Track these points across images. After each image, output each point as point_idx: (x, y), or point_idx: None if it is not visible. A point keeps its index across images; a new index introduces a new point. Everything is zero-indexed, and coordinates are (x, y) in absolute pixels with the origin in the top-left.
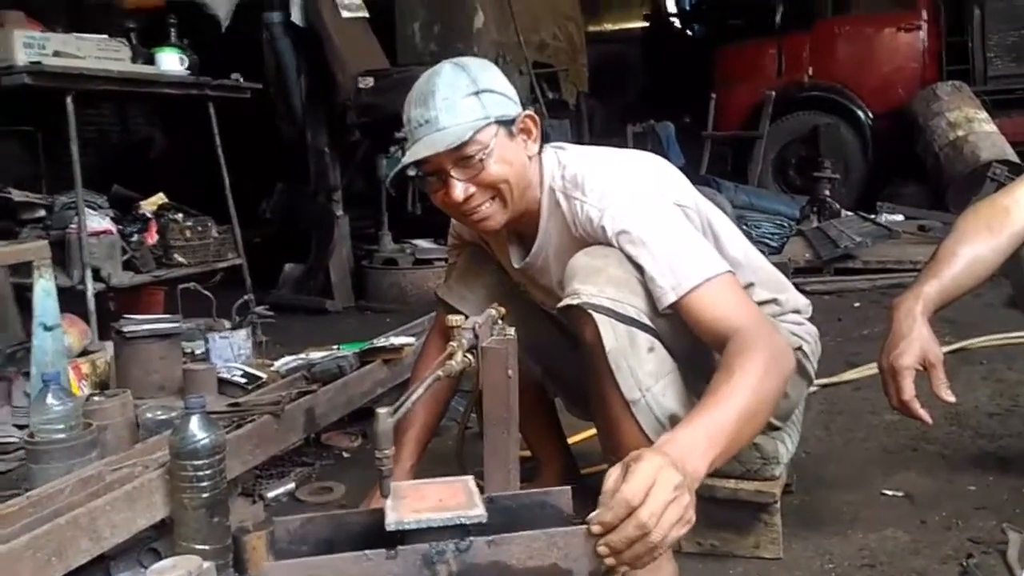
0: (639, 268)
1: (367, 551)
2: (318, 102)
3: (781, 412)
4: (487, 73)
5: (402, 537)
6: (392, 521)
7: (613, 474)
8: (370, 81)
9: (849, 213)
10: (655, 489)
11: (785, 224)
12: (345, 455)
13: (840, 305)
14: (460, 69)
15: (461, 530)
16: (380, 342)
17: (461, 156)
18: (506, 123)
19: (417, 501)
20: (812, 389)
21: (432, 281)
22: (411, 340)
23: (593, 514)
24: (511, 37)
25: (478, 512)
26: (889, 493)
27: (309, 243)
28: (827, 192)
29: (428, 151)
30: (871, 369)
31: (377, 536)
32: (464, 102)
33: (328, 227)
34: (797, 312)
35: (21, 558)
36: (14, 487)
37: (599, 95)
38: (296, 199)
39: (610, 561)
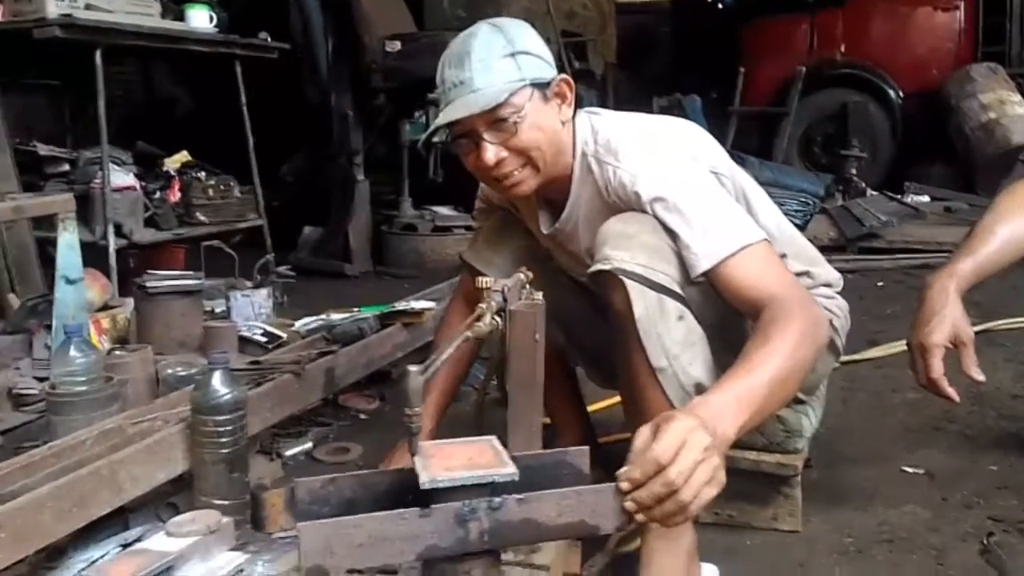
0: (673, 235)
1: (401, 510)
2: (344, 64)
3: (807, 385)
4: (524, 35)
5: (432, 496)
6: (427, 480)
7: (644, 433)
8: (397, 45)
9: (875, 192)
10: (685, 449)
11: (810, 202)
12: (362, 417)
13: (863, 284)
14: (497, 30)
15: (491, 488)
16: (400, 305)
17: (495, 118)
18: (541, 86)
19: (445, 460)
20: (834, 365)
21: (451, 248)
22: (431, 304)
23: (622, 470)
24: (540, 4)
25: (510, 470)
26: (909, 470)
27: (329, 207)
28: (854, 171)
29: (463, 112)
30: (893, 348)
31: (400, 496)
32: (500, 64)
33: (349, 191)
34: (829, 286)
35: (43, 507)
36: (34, 439)
37: (626, 66)
38: (318, 162)
39: (640, 517)
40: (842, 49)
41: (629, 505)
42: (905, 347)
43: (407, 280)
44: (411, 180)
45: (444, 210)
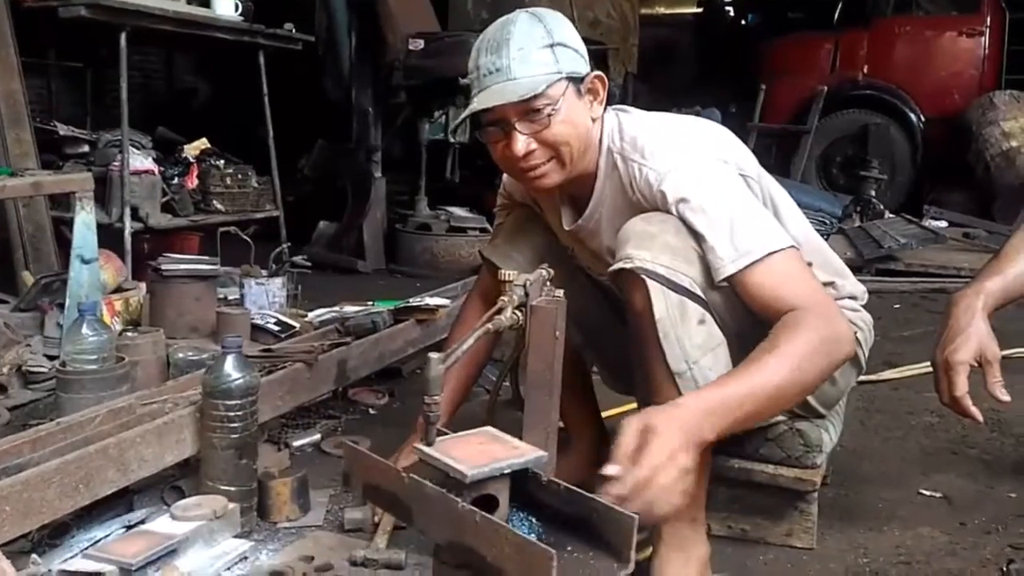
0: (698, 237)
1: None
2: (366, 61)
3: (827, 399)
4: (562, 26)
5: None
6: (470, 472)
7: (629, 429)
8: (420, 43)
9: (893, 215)
10: (664, 469)
11: (827, 221)
12: (371, 411)
13: (880, 305)
14: (536, 19)
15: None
16: (415, 301)
17: (529, 109)
18: (576, 81)
19: (463, 453)
20: (855, 380)
21: (465, 249)
22: (446, 302)
23: (608, 471)
24: (564, 10)
25: (540, 453)
26: (927, 493)
27: (345, 202)
28: (872, 192)
29: (499, 100)
30: (910, 370)
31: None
32: (538, 54)
33: (365, 187)
34: (854, 298)
35: (50, 483)
36: (42, 416)
37: (647, 78)
38: (336, 157)
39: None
40: (865, 70)
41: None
42: (922, 370)
43: (419, 279)
44: (427, 180)
45: (459, 211)
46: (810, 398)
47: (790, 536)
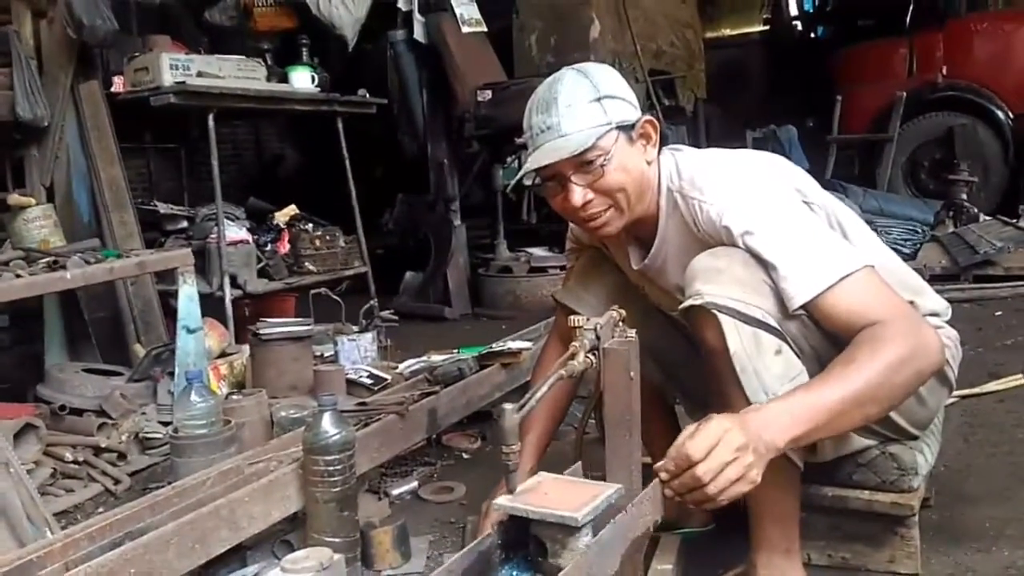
0: (767, 267)
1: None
2: (439, 115)
3: (918, 420)
4: (608, 78)
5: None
6: (497, 504)
7: (687, 430)
8: (488, 94)
9: (988, 218)
10: (717, 449)
11: (918, 230)
12: (465, 456)
13: (980, 314)
14: (582, 75)
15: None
16: (498, 346)
17: (582, 161)
18: (626, 128)
19: (543, 494)
20: (950, 400)
21: (546, 289)
22: (528, 344)
23: (659, 464)
24: (628, 46)
25: (573, 515)
26: None
27: (428, 252)
28: (964, 196)
29: (551, 158)
30: (1015, 380)
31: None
32: (586, 108)
33: (446, 236)
34: (935, 315)
35: (168, 544)
36: (160, 480)
37: (718, 100)
38: (416, 209)
39: (678, 500)
40: (943, 71)
41: (667, 492)
42: None
43: (504, 321)
44: (505, 223)
45: (539, 251)
46: (900, 419)
47: (893, 562)
